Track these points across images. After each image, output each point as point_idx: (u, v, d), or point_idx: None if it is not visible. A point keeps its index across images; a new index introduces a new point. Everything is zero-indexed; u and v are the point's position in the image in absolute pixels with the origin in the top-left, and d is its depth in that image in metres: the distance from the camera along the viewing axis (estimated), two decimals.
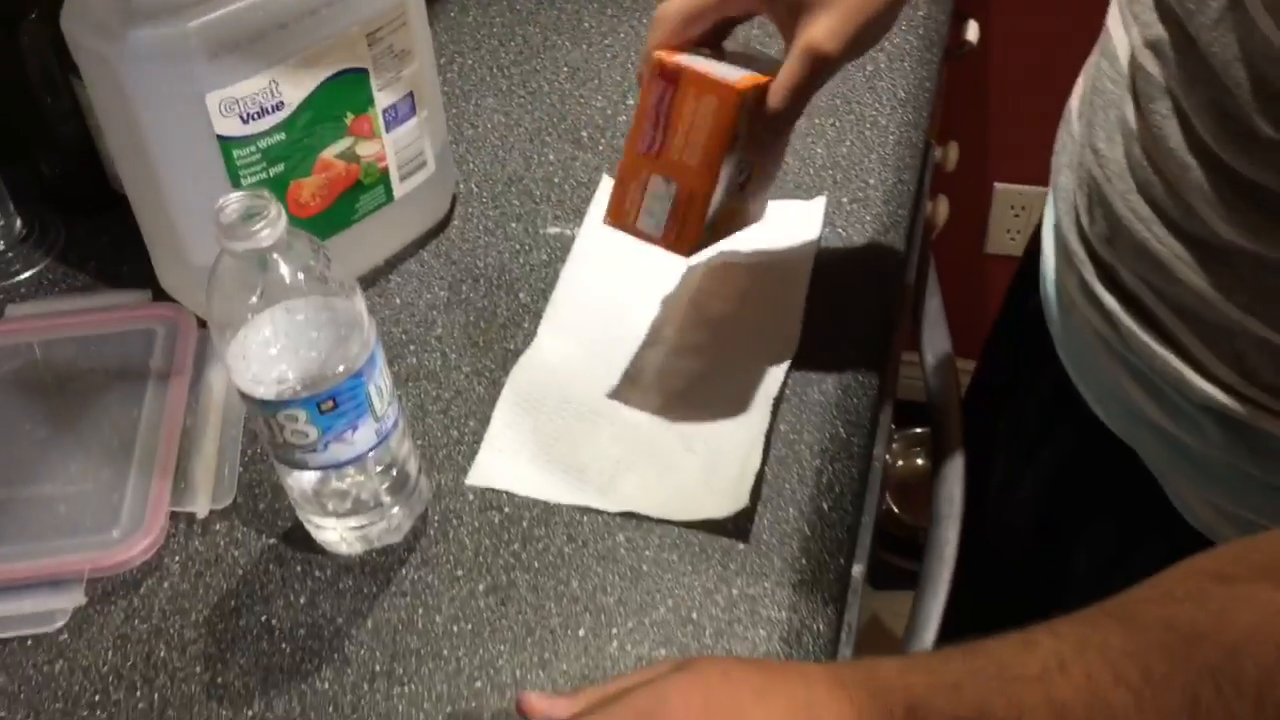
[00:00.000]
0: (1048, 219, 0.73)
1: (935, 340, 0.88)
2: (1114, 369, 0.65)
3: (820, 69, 0.61)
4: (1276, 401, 0.56)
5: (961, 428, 0.81)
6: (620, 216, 0.65)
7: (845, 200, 0.81)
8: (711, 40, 0.65)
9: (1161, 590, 0.45)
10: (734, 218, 0.69)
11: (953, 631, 0.72)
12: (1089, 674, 0.42)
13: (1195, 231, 0.55)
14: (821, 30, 0.60)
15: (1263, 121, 0.49)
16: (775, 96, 0.62)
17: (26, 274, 0.80)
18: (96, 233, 0.82)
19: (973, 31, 1.14)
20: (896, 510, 1.64)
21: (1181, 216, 0.56)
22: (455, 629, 0.60)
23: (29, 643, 0.60)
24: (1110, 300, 0.62)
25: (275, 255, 0.53)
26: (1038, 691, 0.43)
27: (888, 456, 1.17)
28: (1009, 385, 0.85)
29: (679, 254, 0.65)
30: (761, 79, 0.62)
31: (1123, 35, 0.59)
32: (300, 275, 0.54)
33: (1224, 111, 0.51)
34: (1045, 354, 0.73)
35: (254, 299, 0.54)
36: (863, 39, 0.61)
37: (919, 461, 1.69)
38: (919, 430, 1.68)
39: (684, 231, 0.64)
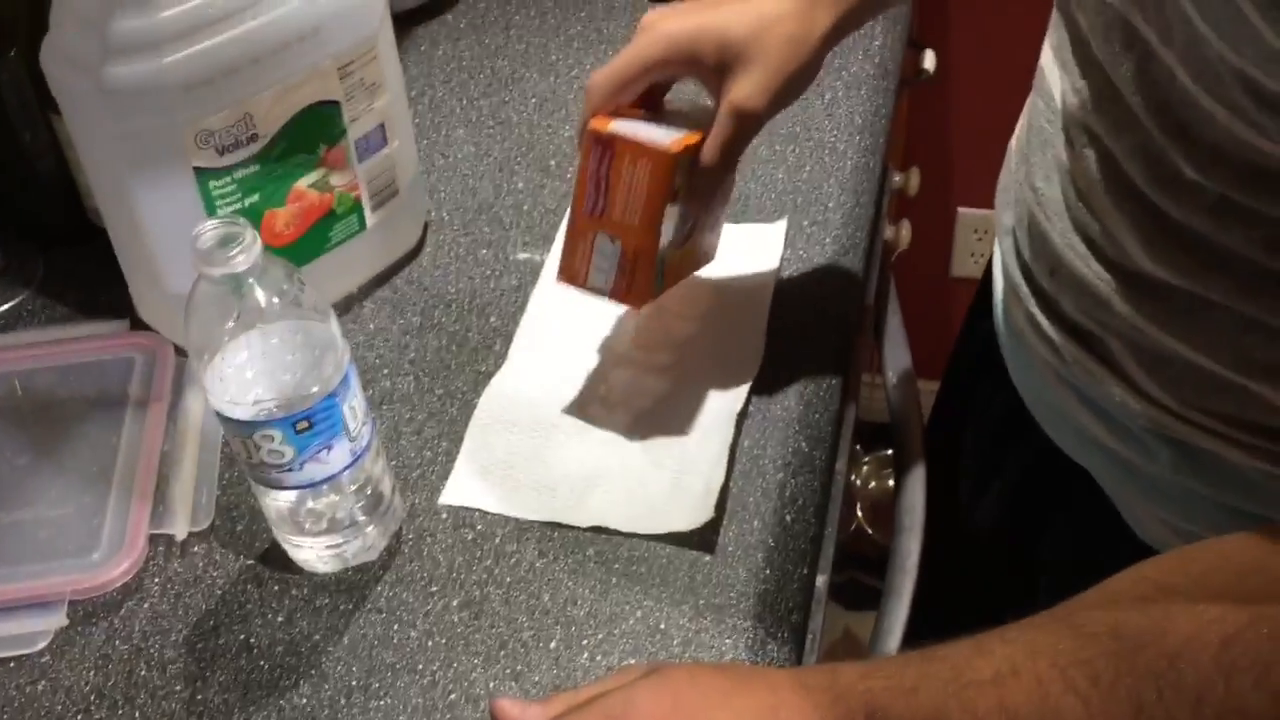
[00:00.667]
0: (997, 250, 0.76)
1: (896, 358, 0.91)
2: (1063, 394, 0.67)
3: (747, 126, 0.65)
4: (1218, 424, 0.58)
5: (923, 443, 0.83)
6: (571, 274, 0.68)
7: (805, 223, 0.83)
8: (647, 102, 0.68)
9: (1108, 596, 0.48)
10: (685, 262, 0.73)
11: (918, 641, 0.74)
12: (1039, 679, 0.44)
13: (1128, 267, 0.57)
14: (746, 89, 0.63)
15: (1186, 166, 0.51)
16: (707, 154, 0.65)
17: (5, 306, 0.81)
18: (75, 264, 0.83)
19: (930, 60, 1.18)
20: (869, 531, 1.66)
21: (1115, 253, 0.58)
22: (430, 643, 0.61)
23: (11, 664, 0.62)
24: (1054, 332, 0.64)
25: (251, 280, 0.55)
26: (991, 696, 0.45)
27: (856, 480, 1.19)
28: (968, 405, 0.87)
29: (632, 306, 0.69)
30: (693, 138, 0.65)
31: (1056, 76, 0.62)
32: (275, 299, 0.56)
33: (1150, 155, 0.53)
34: (1000, 376, 0.75)
35: (230, 323, 0.56)
36: (786, 94, 0.65)
37: (890, 483, 1.71)
38: (890, 452, 1.70)
39: (633, 285, 0.67)
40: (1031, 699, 0.44)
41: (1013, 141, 0.71)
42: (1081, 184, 0.59)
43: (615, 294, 0.68)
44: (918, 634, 0.75)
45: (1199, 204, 0.52)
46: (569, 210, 0.68)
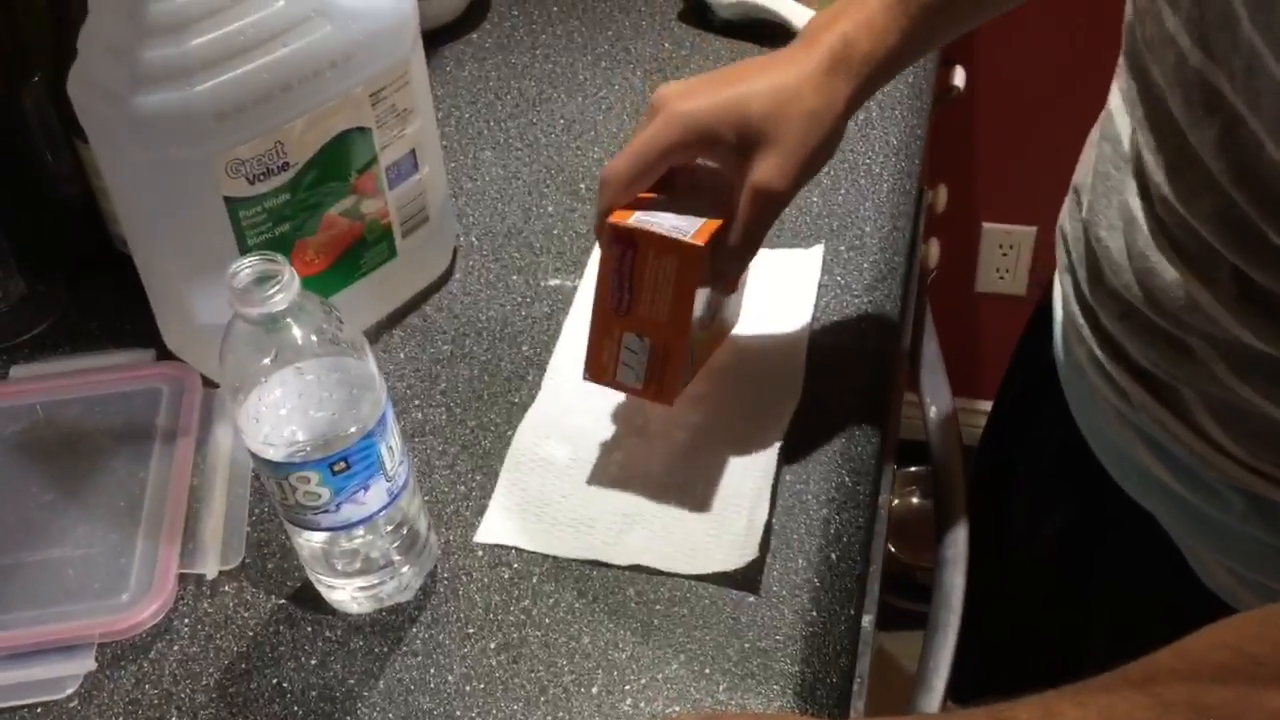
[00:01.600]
0: (1056, 283, 0.73)
1: (935, 387, 0.89)
2: (1127, 435, 0.65)
3: (771, 207, 0.62)
4: None
5: (965, 476, 0.82)
6: (599, 372, 0.66)
7: (842, 248, 0.82)
8: (662, 180, 0.64)
9: (1188, 664, 0.45)
10: (711, 340, 0.71)
11: (963, 677, 0.72)
12: None
13: (1203, 327, 0.55)
14: (768, 171, 0.61)
15: (1273, 233, 0.49)
16: (734, 240, 0.63)
17: (29, 334, 0.80)
18: (99, 292, 0.82)
19: (960, 77, 1.16)
20: (893, 549, 1.64)
21: (1188, 310, 0.56)
22: (468, 688, 0.60)
23: (39, 710, 0.60)
24: (1120, 375, 0.62)
25: (288, 318, 0.53)
26: None
27: (890, 495, 1.18)
28: (1023, 435, 0.85)
29: (663, 403, 0.66)
30: (716, 223, 0.63)
31: (1125, 119, 0.59)
32: (312, 337, 0.55)
33: (1231, 220, 0.51)
34: (1058, 407, 0.73)
35: (266, 361, 0.55)
36: (809, 170, 0.62)
37: (915, 500, 1.70)
38: (915, 469, 1.68)
39: (664, 382, 0.65)
40: None
41: (1076, 178, 0.69)
42: (1155, 240, 0.57)
43: (646, 392, 0.65)
44: (962, 666, 0.73)
45: (1265, 256, 0.50)
46: (593, 305, 0.64)
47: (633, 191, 0.63)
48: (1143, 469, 0.65)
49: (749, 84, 0.61)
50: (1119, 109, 0.60)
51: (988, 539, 0.78)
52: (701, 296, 0.64)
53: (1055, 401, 0.73)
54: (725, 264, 0.64)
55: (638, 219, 0.62)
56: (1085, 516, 0.75)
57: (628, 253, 0.62)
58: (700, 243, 0.61)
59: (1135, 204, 0.58)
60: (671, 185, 0.64)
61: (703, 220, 0.63)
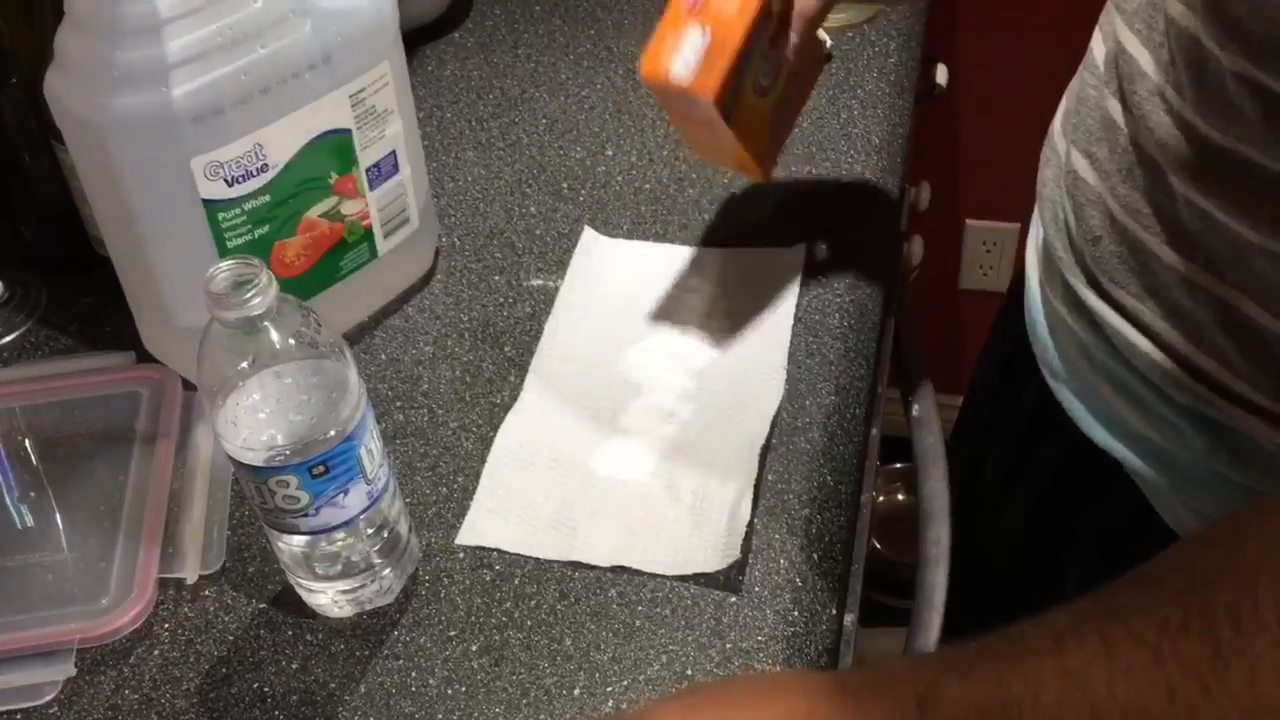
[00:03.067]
0: (1032, 238, 0.74)
1: (917, 385, 0.89)
2: (1096, 382, 0.66)
3: None
4: (1258, 394, 0.57)
5: (948, 474, 0.82)
6: (654, 67, 0.67)
7: (824, 247, 0.82)
8: None
9: (1175, 546, 0.45)
10: (759, 117, 0.72)
11: None
12: (1103, 637, 0.41)
13: (1179, 214, 0.56)
14: None
15: (1229, 61, 0.50)
16: None
17: (8, 338, 0.79)
18: (78, 295, 0.82)
19: (942, 75, 1.16)
20: (878, 546, 1.64)
21: (1165, 199, 0.57)
22: (449, 691, 0.59)
23: (18, 716, 0.60)
24: (1096, 302, 0.63)
25: (265, 322, 0.53)
26: (1052, 662, 0.42)
27: (873, 493, 1.18)
28: (992, 414, 0.85)
29: (702, 97, 0.67)
30: None
31: (1100, 44, 0.62)
32: (290, 340, 0.54)
33: (1202, 78, 0.52)
34: (1027, 375, 0.74)
35: (244, 365, 0.54)
36: None
37: (900, 497, 1.70)
38: (899, 465, 1.68)
39: (710, 76, 0.66)
40: (1096, 657, 0.41)
41: (1054, 123, 0.70)
42: (1132, 129, 0.58)
43: (693, 84, 0.66)
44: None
45: (1247, 129, 0.51)
46: (668, 6, 0.68)
47: None
48: (1111, 416, 0.66)
49: None
50: (1096, 39, 0.63)
51: (963, 525, 0.78)
52: (765, 32, 0.68)
53: (1024, 371, 0.73)
54: (793, 22, 0.69)
55: None
56: (1057, 479, 0.76)
57: None
58: None
59: (1115, 110, 0.60)
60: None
61: None
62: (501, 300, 0.80)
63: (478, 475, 0.69)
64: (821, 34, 0.75)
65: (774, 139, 0.75)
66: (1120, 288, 0.61)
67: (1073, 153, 0.64)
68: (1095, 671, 0.41)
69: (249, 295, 0.51)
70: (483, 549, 0.66)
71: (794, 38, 0.71)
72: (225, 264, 0.52)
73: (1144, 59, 0.57)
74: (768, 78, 0.71)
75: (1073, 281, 0.65)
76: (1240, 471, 0.60)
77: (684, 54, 0.67)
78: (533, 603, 0.63)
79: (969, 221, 1.62)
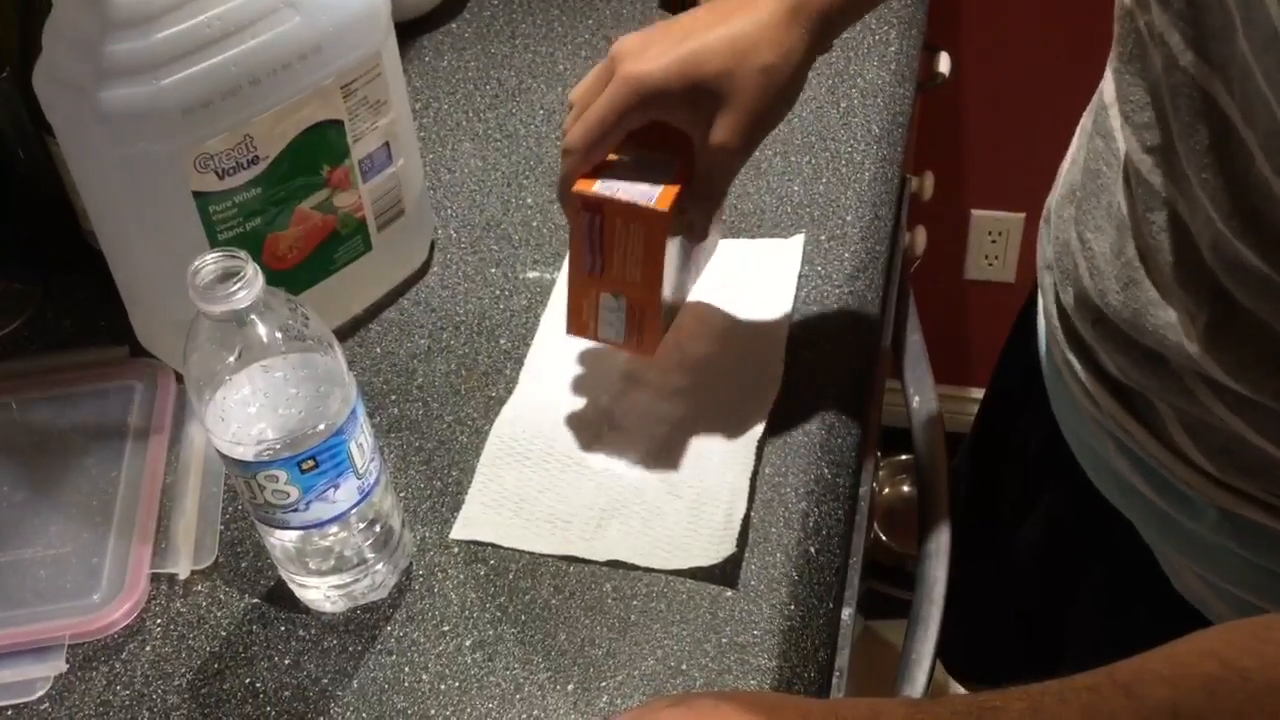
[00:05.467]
0: (1040, 255, 0.73)
1: (918, 378, 0.88)
2: (1102, 440, 0.65)
3: (729, 164, 0.63)
4: (1261, 492, 0.56)
5: (949, 467, 0.81)
6: (581, 328, 0.68)
7: (823, 238, 0.81)
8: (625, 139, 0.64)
9: (1174, 669, 0.44)
10: (689, 279, 0.72)
11: (950, 665, 0.72)
12: None
13: (1179, 343, 0.54)
14: (723, 130, 0.61)
15: (1253, 256, 0.48)
16: (697, 193, 0.64)
17: (2, 333, 0.79)
18: (72, 289, 0.81)
19: (944, 63, 1.15)
20: (884, 538, 1.64)
21: (1165, 325, 0.55)
22: (443, 687, 0.59)
23: (9, 713, 0.59)
24: (1092, 384, 0.62)
25: (252, 315, 0.53)
26: None
27: (874, 484, 1.18)
28: (1010, 430, 0.84)
29: (646, 355, 0.68)
30: (676, 187, 0.63)
31: (1119, 121, 0.57)
32: (278, 333, 0.54)
33: (1217, 235, 0.50)
34: (1041, 406, 0.73)
35: (232, 359, 0.54)
36: (764, 126, 0.62)
37: (905, 488, 1.69)
38: (905, 457, 1.68)
39: (644, 335, 0.67)
40: None
41: (1063, 167, 0.68)
42: (1140, 246, 0.55)
43: (629, 345, 0.68)
44: (946, 654, 0.72)
45: (1266, 294, 0.49)
46: (566, 266, 0.66)
47: (594, 159, 0.63)
48: (1118, 474, 0.64)
49: (704, 38, 0.60)
50: (1112, 102, 0.58)
51: (976, 531, 0.78)
52: (673, 247, 0.65)
53: (1039, 399, 0.72)
54: (693, 217, 0.65)
55: (601, 186, 0.63)
56: (1066, 516, 0.75)
57: (595, 219, 0.63)
58: (664, 208, 0.62)
59: (1123, 207, 0.57)
60: (635, 138, 0.64)
61: (664, 184, 0.63)
62: (498, 293, 0.80)
63: (472, 469, 0.68)
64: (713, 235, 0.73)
65: (667, 316, 0.71)
66: (1118, 374, 0.60)
67: (1073, 232, 0.61)
68: None
69: (235, 288, 0.51)
70: (477, 543, 0.65)
71: (701, 221, 0.66)
72: (210, 256, 0.52)
73: (1156, 181, 0.53)
74: (684, 258, 0.69)
75: (1070, 355, 0.64)
76: (1246, 548, 0.59)
77: (605, 319, 0.67)
78: (527, 597, 0.62)
79: (974, 211, 1.61)
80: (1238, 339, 0.51)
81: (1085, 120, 0.65)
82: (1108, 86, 0.59)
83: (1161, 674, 0.44)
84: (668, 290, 0.66)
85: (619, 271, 0.64)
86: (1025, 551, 0.81)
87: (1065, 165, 0.68)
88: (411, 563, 0.64)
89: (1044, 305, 0.68)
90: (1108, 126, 0.59)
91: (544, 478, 0.67)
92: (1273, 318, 0.49)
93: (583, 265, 0.65)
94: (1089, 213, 0.60)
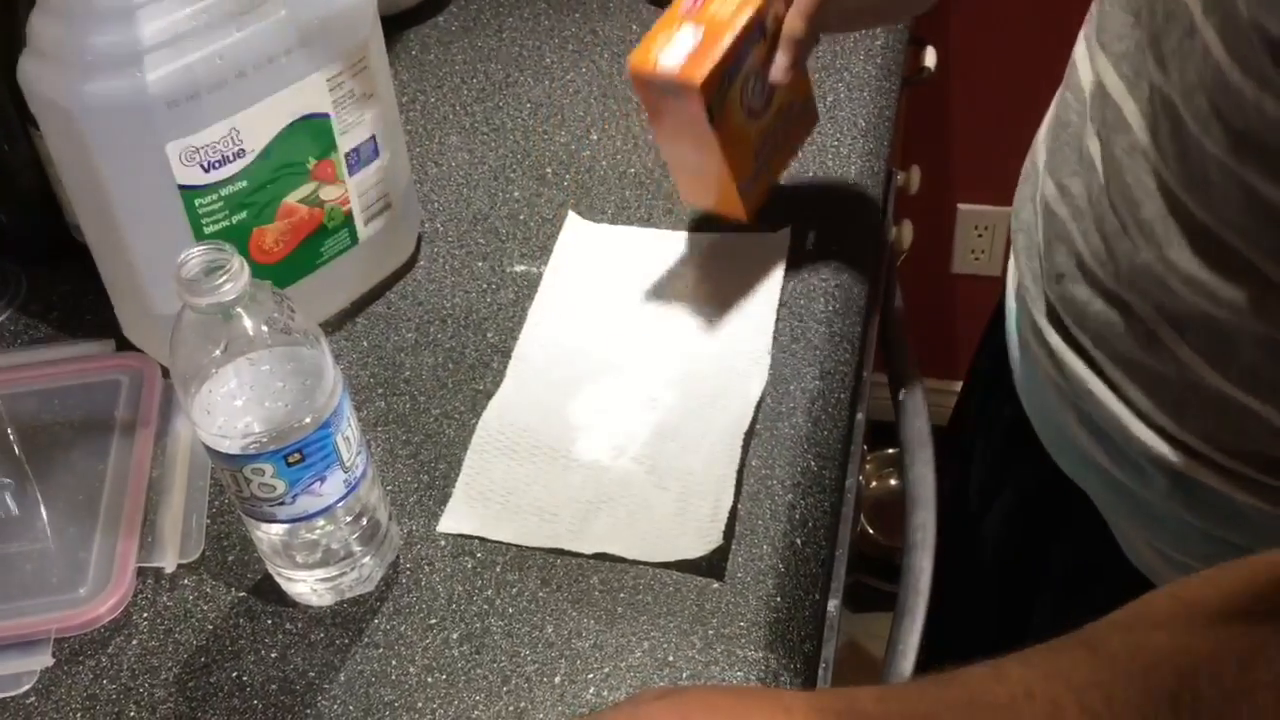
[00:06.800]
0: (1011, 256, 0.74)
1: (904, 370, 0.89)
2: (1064, 412, 0.66)
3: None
4: (1217, 453, 0.57)
5: (934, 459, 0.81)
6: (643, 58, 0.69)
7: (810, 231, 0.81)
8: None
9: (1134, 615, 0.46)
10: (746, 140, 0.73)
11: (932, 659, 0.72)
12: (1054, 702, 0.43)
13: (1149, 270, 0.56)
14: None
15: (1216, 149, 0.49)
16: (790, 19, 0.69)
17: None
18: (57, 283, 0.81)
19: (930, 58, 1.16)
20: (871, 531, 1.64)
21: (1134, 256, 0.56)
22: (429, 679, 0.59)
23: None
24: (1057, 341, 0.63)
25: (238, 308, 0.53)
26: None
27: (861, 478, 1.19)
28: (980, 415, 0.85)
29: (689, 84, 0.67)
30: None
31: (1088, 68, 0.60)
32: (264, 327, 0.54)
33: (1183, 146, 0.51)
34: (1008, 389, 0.74)
35: (217, 352, 0.54)
36: None
37: (893, 482, 1.70)
38: (892, 450, 1.68)
39: (698, 64, 0.67)
40: None
41: (1039, 134, 0.69)
42: (1108, 176, 0.57)
43: (680, 72, 0.67)
44: (931, 647, 0.73)
45: (1227, 203, 0.50)
46: (668, 10, 0.71)
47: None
48: (1077, 446, 0.65)
49: None
50: (1082, 56, 0.61)
51: (951, 519, 0.78)
52: (756, 46, 0.70)
53: (1007, 384, 0.73)
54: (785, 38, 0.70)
55: None
56: (1032, 497, 0.76)
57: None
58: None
59: (1094, 149, 0.58)
60: None
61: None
62: (485, 286, 0.80)
63: (460, 462, 0.68)
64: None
65: (758, 177, 0.75)
66: (1081, 330, 0.61)
67: (1048, 180, 0.63)
68: None
69: (221, 281, 0.51)
70: (464, 536, 0.65)
71: (781, 59, 0.71)
72: (196, 249, 0.52)
73: (1128, 109, 0.55)
74: (758, 100, 0.72)
75: (1036, 316, 0.65)
76: (1197, 516, 0.60)
77: (674, 47, 0.67)
78: (514, 590, 0.63)
79: (960, 205, 1.62)
80: (1203, 246, 0.52)
81: (1058, 92, 0.67)
82: (1079, 42, 0.62)
83: (1122, 623, 0.45)
84: (737, 64, 0.69)
85: (714, 10, 0.69)
86: (995, 537, 0.82)
87: (1040, 132, 0.69)
88: (399, 556, 0.64)
89: (1014, 271, 0.70)
90: (1076, 79, 0.61)
91: (531, 471, 0.67)
92: (1228, 231, 0.50)
93: (684, 4, 0.70)
94: (1062, 160, 0.62)
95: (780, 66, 0.71)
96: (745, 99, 0.71)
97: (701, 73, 0.67)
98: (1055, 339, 0.63)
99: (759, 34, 0.70)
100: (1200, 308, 0.54)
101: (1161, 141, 0.53)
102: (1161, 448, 0.59)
